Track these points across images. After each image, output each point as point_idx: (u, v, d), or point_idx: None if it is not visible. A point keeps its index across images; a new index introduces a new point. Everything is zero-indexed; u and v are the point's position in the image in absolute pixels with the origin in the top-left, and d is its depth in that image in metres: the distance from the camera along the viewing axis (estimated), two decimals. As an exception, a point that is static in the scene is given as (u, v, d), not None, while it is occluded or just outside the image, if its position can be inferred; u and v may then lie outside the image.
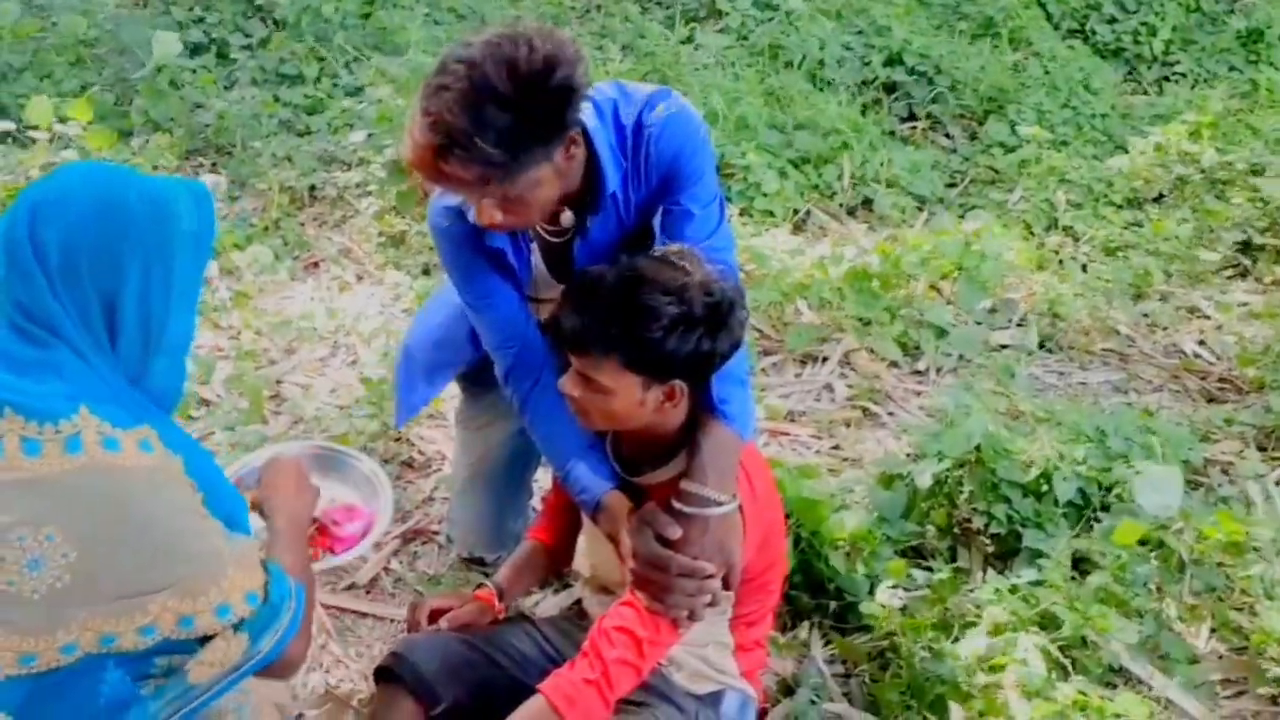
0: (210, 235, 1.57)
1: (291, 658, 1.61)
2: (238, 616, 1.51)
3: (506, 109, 1.74)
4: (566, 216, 2.09)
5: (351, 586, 2.82)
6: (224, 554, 1.50)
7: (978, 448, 2.80)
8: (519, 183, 1.82)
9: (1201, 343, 4.01)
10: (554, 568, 2.41)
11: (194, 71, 5.17)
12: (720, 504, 1.93)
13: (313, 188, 4.67)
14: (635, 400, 1.90)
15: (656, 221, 2.12)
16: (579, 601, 2.35)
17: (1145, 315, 4.16)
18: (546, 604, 2.63)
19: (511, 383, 2.20)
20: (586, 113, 1.94)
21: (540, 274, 2.23)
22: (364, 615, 2.74)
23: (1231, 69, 6.50)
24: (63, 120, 4.33)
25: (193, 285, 1.56)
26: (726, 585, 1.96)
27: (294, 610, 1.58)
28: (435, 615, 2.22)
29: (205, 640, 1.51)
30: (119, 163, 4.24)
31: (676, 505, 1.94)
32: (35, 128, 4.31)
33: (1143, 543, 2.62)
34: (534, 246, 2.20)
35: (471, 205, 1.94)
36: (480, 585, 2.30)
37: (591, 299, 1.86)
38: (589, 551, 2.23)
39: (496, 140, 1.74)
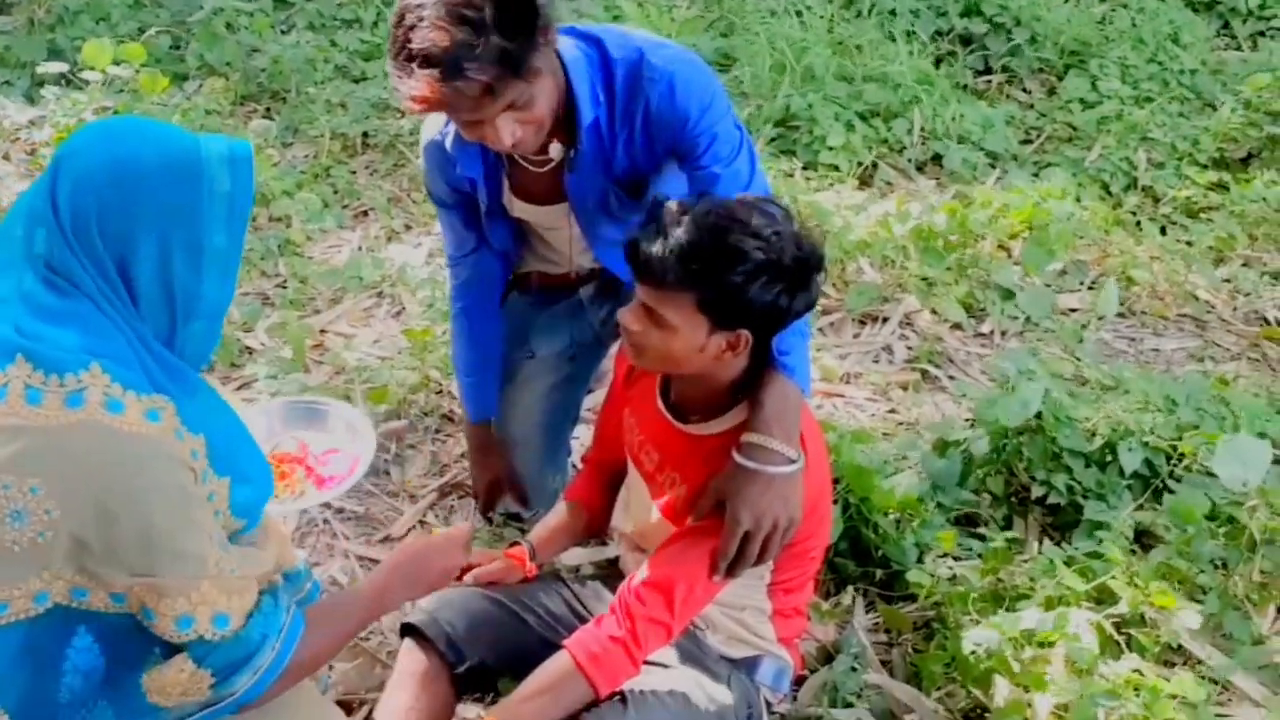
0: (247, 198, 1.47)
1: (271, 696, 1.53)
2: (197, 634, 1.42)
3: (484, 3, 1.79)
4: (555, 148, 2.13)
5: (386, 539, 2.77)
6: (205, 561, 1.41)
7: (1038, 415, 2.67)
8: (531, 72, 1.85)
9: (1285, 309, 3.83)
10: (590, 530, 2.31)
11: (251, 15, 5.12)
12: (791, 460, 1.84)
13: (365, 135, 4.61)
14: (696, 344, 1.80)
15: (658, 180, 2.18)
16: (615, 560, 2.28)
17: (1226, 280, 3.96)
18: (573, 553, 2.54)
19: (459, 291, 2.53)
20: (565, 44, 2.01)
21: (515, 205, 2.35)
22: (398, 569, 2.69)
23: (1332, 23, 6.16)
24: (117, 63, 4.31)
25: (229, 251, 1.46)
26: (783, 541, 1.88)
27: (279, 651, 1.49)
28: (464, 571, 2.16)
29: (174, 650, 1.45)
30: (171, 107, 4.23)
31: (739, 460, 1.85)
32: (91, 69, 4.29)
33: (1210, 517, 2.48)
34: (507, 183, 2.29)
35: (488, 137, 1.95)
36: (514, 543, 2.23)
37: (677, 229, 1.75)
38: (628, 510, 2.15)
39: (498, 29, 1.78)
